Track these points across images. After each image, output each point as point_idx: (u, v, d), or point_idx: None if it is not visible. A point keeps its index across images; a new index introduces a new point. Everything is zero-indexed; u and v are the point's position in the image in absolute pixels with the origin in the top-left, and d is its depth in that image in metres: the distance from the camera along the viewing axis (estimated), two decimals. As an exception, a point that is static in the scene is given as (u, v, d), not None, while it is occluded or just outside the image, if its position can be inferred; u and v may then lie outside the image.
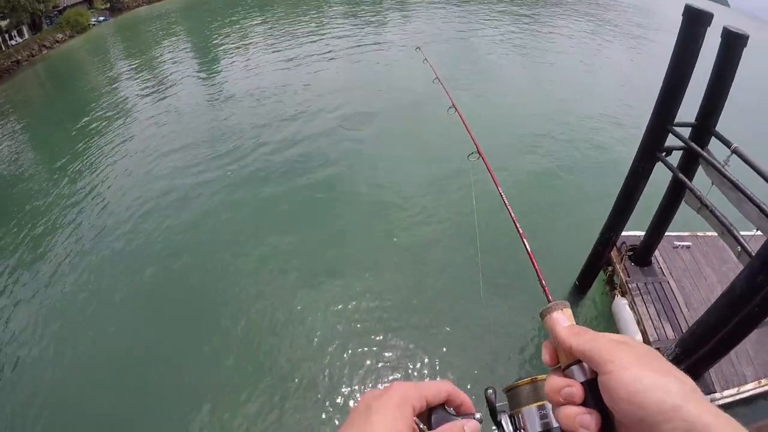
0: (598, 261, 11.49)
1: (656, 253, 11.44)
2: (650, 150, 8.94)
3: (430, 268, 13.32)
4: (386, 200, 16.04)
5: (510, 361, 10.73)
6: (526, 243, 1.80)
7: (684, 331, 8.45)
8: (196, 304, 12.70)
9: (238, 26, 45.79)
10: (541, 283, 1.50)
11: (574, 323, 0.84)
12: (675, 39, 7.75)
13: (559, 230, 14.52)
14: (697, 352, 7.16)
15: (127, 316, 12.61)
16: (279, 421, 9.65)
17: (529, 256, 1.75)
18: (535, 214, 14.99)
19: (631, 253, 11.57)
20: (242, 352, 11.21)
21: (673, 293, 10.57)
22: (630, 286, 11.03)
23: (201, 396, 10.21)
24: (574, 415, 0.74)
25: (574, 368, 0.78)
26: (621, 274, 11.40)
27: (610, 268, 12.04)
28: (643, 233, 11.33)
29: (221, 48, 39.18)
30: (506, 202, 2.20)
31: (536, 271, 1.63)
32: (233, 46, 39.01)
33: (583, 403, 0.75)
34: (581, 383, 0.76)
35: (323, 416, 9.75)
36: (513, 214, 2.09)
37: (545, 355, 0.85)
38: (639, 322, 10.15)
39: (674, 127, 8.43)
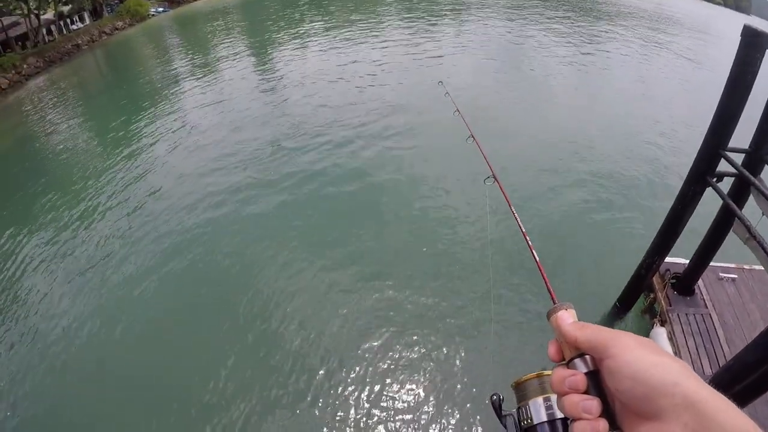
0: (639, 284, 11.32)
1: (700, 282, 11.15)
2: (701, 174, 8.76)
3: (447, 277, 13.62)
4: (408, 215, 16.41)
5: (518, 361, 10.93)
6: (534, 252, 1.91)
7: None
8: (228, 291, 13.40)
9: (293, 26, 46.97)
10: (547, 287, 1.57)
11: (578, 320, 0.92)
12: (732, 60, 7.63)
13: (601, 250, 14.47)
14: (732, 389, 6.98)
15: (164, 295, 13.60)
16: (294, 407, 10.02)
17: (537, 264, 1.83)
18: (578, 233, 15.16)
19: (674, 281, 11.31)
20: (265, 338, 11.81)
21: (714, 327, 10.27)
22: (671, 315, 10.78)
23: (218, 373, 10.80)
24: (577, 402, 0.81)
25: (577, 361, 0.86)
26: (662, 302, 11.15)
27: (651, 295, 11.78)
28: (687, 261, 11.07)
29: (274, 46, 40.34)
30: (516, 216, 2.37)
31: (543, 277, 1.75)
32: (286, 44, 40.12)
33: (586, 393, 0.83)
34: (584, 374, 0.84)
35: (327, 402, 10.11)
36: (522, 227, 2.25)
37: (551, 351, 0.93)
38: (676, 355, 9.90)
39: (727, 152, 8.26)
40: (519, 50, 37.05)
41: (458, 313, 12.29)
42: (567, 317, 0.93)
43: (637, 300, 11.83)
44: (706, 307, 10.78)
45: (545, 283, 1.65)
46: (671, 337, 10.35)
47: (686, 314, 10.76)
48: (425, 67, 31.68)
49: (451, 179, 17.85)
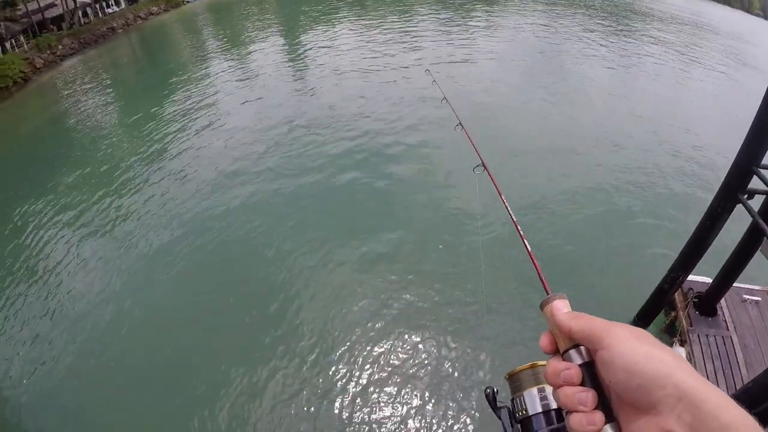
0: (661, 300, 11.14)
1: (723, 303, 10.91)
2: (732, 190, 8.59)
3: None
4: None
5: (512, 352, 11.04)
6: (525, 242, 1.91)
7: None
8: (249, 281, 13.70)
9: (325, 18, 47.38)
10: (540, 277, 1.58)
11: (572, 310, 0.92)
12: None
13: (621, 260, 14.29)
14: (749, 412, 6.82)
15: (186, 281, 13.98)
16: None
17: (529, 253, 1.85)
18: (597, 239, 15.06)
19: (696, 300, 11.10)
20: (279, 328, 12.05)
21: (734, 350, 10.04)
22: (691, 336, 10.57)
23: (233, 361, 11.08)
24: (572, 394, 0.82)
25: (572, 352, 0.86)
26: (683, 321, 10.95)
27: (672, 314, 11.57)
28: (710, 280, 10.85)
29: (305, 37, 40.81)
30: (507, 205, 2.40)
31: (536, 267, 1.74)
32: (317, 37, 40.50)
33: (582, 384, 0.83)
34: (579, 365, 0.84)
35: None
36: (513, 216, 2.25)
37: (544, 342, 0.93)
38: (693, 376, 9.68)
39: (760, 169, 8.07)
40: (547, 50, 36.73)
41: (450, 306, 12.39)
42: (561, 307, 0.92)
43: (657, 316, 11.63)
44: (728, 330, 10.55)
45: (537, 272, 1.64)
46: (690, 358, 10.16)
47: (707, 335, 10.54)
48: (447, 75, 31.59)
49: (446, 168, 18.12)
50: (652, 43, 41.29)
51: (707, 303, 10.84)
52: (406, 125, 22.05)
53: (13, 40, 38.62)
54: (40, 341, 12.36)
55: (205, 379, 10.75)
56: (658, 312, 11.53)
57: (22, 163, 22.48)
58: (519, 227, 2.10)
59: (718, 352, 10.18)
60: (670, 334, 11.36)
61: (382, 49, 34.88)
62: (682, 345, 10.65)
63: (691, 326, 10.76)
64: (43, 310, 13.32)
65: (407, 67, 30.40)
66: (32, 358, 11.90)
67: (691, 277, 10.84)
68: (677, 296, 11.38)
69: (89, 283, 14.04)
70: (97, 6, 51.19)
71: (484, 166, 3.46)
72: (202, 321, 12.34)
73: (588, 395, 0.81)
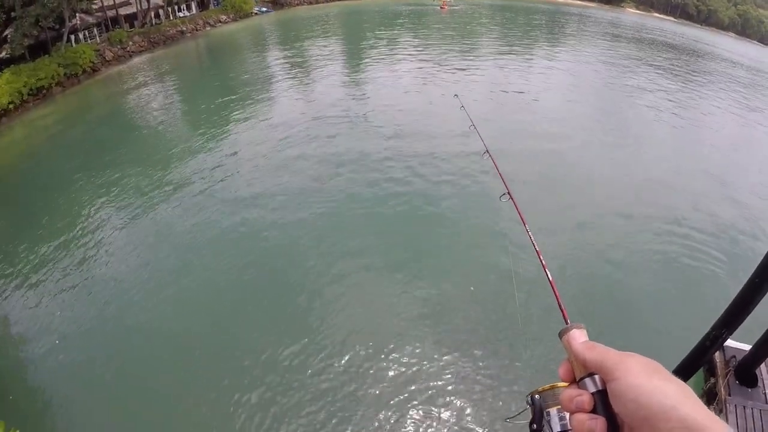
0: (700, 357, 11.19)
1: (765, 374, 11.11)
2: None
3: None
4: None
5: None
6: (547, 271, 2.00)
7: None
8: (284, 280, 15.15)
9: (385, 41, 49.60)
10: (560, 306, 1.67)
11: (589, 340, 0.98)
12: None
13: (663, 310, 14.59)
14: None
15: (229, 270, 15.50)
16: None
17: (550, 283, 1.93)
18: (643, 287, 15.47)
19: (737, 368, 11.30)
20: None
21: (771, 423, 10.21)
22: (728, 406, 10.71)
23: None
24: (583, 421, 0.87)
25: (587, 380, 0.91)
26: (722, 390, 11.12)
27: (712, 379, 11.74)
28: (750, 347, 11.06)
29: (363, 58, 42.88)
30: (531, 235, 2.49)
31: (556, 297, 1.81)
32: (375, 58, 42.52)
33: (595, 411, 0.89)
34: (592, 393, 0.90)
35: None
36: (536, 245, 2.33)
37: (561, 371, 1.00)
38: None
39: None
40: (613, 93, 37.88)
41: (486, 326, 13.36)
42: (579, 336, 0.99)
43: (694, 374, 11.74)
44: (766, 403, 10.71)
45: (557, 302, 1.75)
46: (725, 430, 10.25)
47: (744, 407, 10.67)
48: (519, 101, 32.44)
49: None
50: (721, 91, 41.80)
51: (746, 372, 11.02)
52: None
53: (86, 32, 41.88)
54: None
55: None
56: (695, 371, 11.62)
57: (80, 143, 24.94)
58: (542, 256, 2.21)
59: (754, 426, 10.31)
60: (708, 400, 11.50)
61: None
62: (719, 413, 10.81)
63: (730, 395, 10.93)
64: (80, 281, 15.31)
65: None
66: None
67: (735, 344, 11.07)
68: (719, 363, 11.56)
69: (127, 260, 15.98)
70: (169, 9, 54.80)
71: (509, 194, 3.56)
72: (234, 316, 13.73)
73: (597, 423, 0.86)
